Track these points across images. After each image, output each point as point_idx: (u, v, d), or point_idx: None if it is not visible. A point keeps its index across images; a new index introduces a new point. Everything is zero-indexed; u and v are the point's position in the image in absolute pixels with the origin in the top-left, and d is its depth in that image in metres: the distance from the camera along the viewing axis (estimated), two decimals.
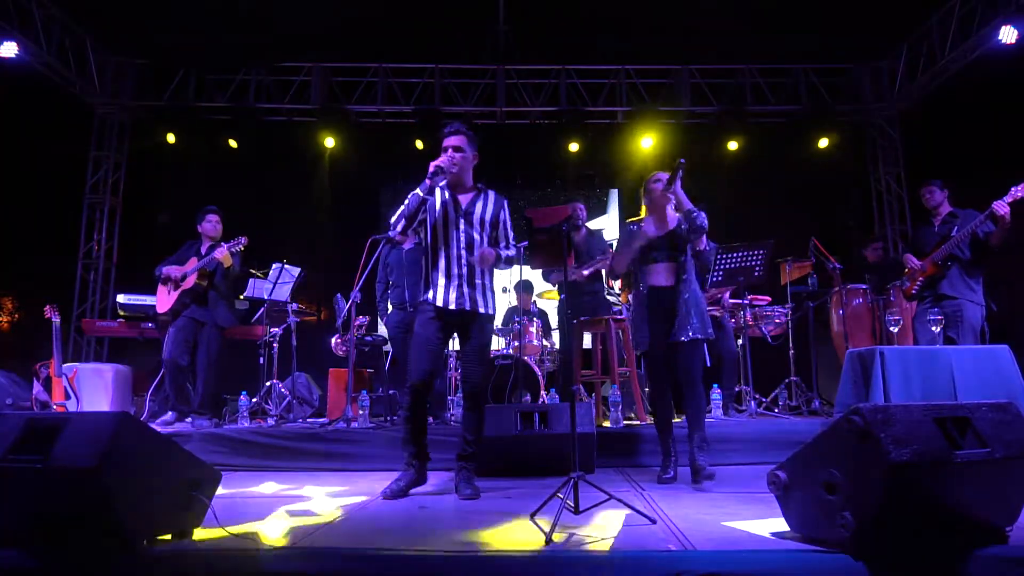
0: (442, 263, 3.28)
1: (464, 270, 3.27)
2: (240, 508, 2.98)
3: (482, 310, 3.31)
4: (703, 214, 3.42)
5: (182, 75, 7.93)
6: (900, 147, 8.26)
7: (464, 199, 3.36)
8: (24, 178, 7.04)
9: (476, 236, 3.31)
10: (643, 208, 3.63)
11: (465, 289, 3.26)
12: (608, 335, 5.01)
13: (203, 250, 5.19)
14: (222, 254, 4.95)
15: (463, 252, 3.28)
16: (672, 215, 3.51)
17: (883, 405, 2.04)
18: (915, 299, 4.90)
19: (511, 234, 3.46)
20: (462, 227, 3.29)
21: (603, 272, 5.26)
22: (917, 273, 4.79)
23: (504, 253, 3.36)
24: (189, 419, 4.99)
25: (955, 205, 4.83)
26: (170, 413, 5.01)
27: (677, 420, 3.71)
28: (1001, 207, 4.23)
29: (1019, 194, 4.20)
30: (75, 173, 7.93)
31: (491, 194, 3.45)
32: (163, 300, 5.14)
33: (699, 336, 3.39)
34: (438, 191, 3.35)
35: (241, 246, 5.06)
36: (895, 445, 1.87)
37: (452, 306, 3.24)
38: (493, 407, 4.01)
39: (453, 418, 5.03)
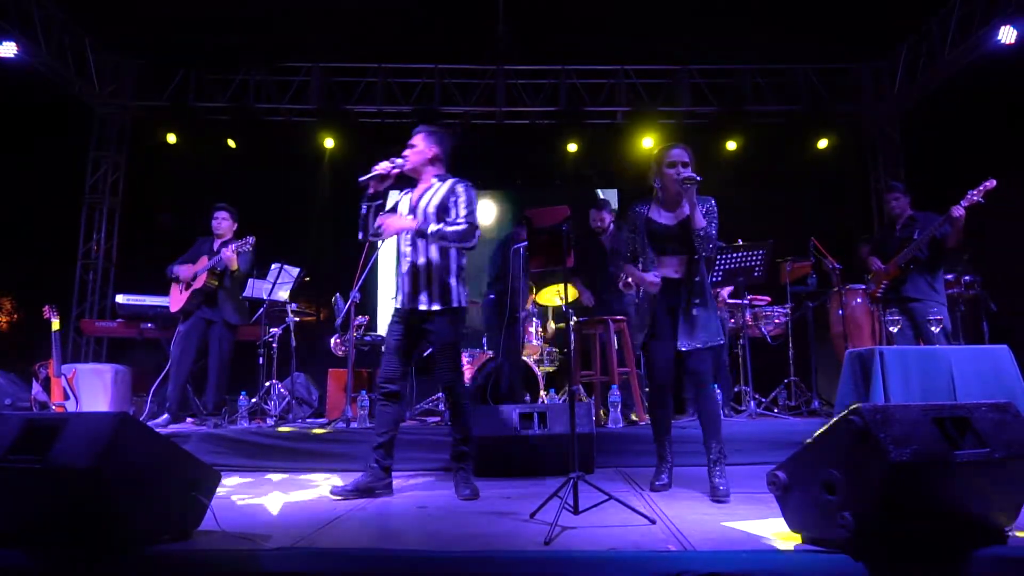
0: (399, 262, 3.31)
1: (413, 264, 3.23)
2: (240, 508, 2.98)
3: (423, 307, 3.19)
4: (714, 235, 3.18)
5: (182, 75, 7.91)
6: (900, 147, 8.24)
7: (416, 194, 3.34)
8: (24, 178, 7.03)
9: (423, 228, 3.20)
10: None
11: (416, 285, 3.23)
12: (608, 335, 5.01)
13: (215, 247, 5.19)
14: (228, 256, 4.95)
15: (408, 248, 3.26)
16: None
17: (882, 405, 2.04)
18: (880, 302, 5.02)
19: (462, 212, 3.20)
20: None
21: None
22: (881, 276, 4.91)
23: (428, 227, 3.14)
24: (193, 420, 4.97)
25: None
26: (164, 416, 4.95)
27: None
28: (957, 211, 4.38)
29: (975, 198, 4.34)
30: (75, 173, 7.91)
31: (445, 183, 3.29)
32: (175, 299, 5.16)
33: (713, 343, 3.16)
34: (398, 192, 3.39)
35: (249, 246, 5.05)
36: (895, 445, 1.87)
37: (406, 305, 3.25)
38: (492, 407, 4.02)
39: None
